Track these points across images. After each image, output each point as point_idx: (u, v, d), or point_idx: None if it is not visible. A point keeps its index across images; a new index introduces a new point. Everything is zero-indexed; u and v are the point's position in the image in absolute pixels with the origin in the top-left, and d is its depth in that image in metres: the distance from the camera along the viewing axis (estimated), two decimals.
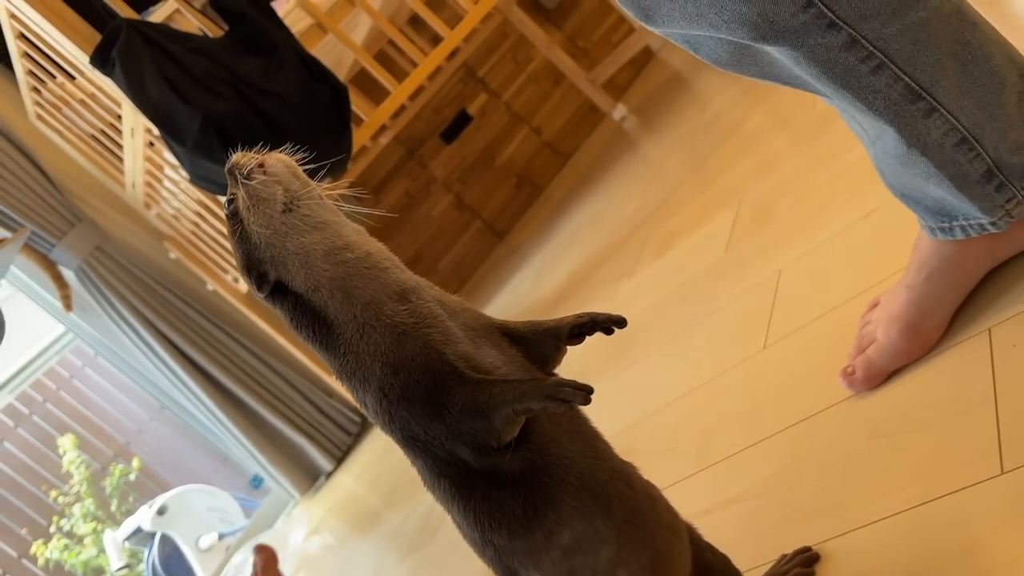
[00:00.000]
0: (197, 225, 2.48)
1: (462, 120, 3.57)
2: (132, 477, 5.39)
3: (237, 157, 0.68)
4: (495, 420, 0.59)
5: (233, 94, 1.64)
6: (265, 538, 2.65)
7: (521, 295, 2.49)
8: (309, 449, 2.77)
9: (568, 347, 0.70)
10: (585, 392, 0.59)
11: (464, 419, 0.59)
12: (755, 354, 1.05)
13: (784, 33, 0.67)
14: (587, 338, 0.70)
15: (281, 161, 0.68)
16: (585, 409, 0.68)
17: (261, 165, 0.67)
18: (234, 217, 0.66)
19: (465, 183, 3.54)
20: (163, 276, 2.74)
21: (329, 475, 2.80)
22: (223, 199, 2.02)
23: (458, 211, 3.51)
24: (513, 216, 3.57)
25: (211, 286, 2.67)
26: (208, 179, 1.75)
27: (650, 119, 2.95)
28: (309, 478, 2.81)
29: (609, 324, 0.68)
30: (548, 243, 2.75)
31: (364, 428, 2.88)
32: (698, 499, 0.95)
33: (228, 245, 2.37)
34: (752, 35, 0.67)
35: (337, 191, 0.70)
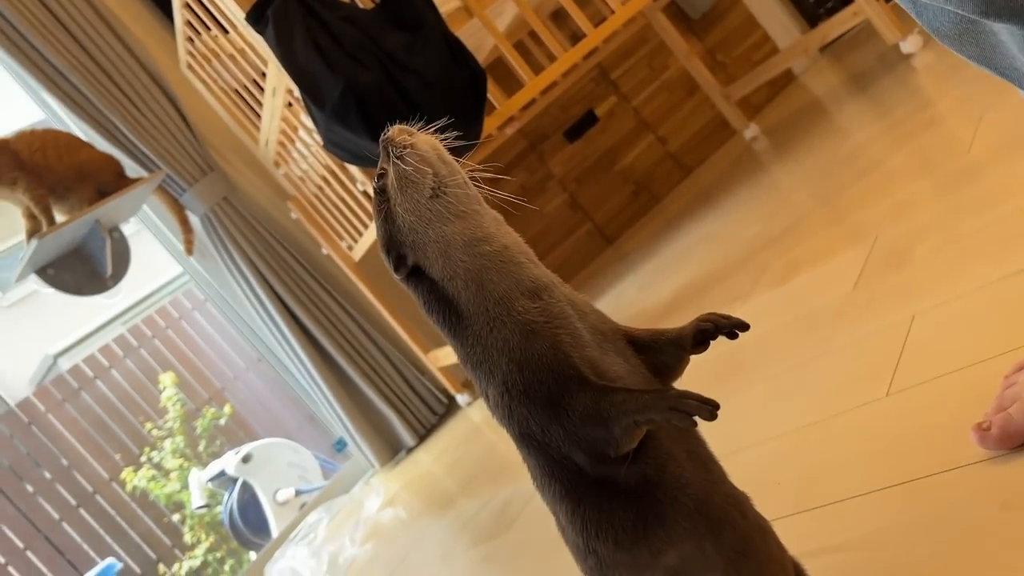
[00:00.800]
0: (321, 189, 2.54)
1: (588, 120, 3.55)
2: (222, 422, 5.62)
3: (394, 132, 0.68)
4: (615, 429, 0.58)
5: (376, 66, 1.67)
6: (340, 502, 2.70)
7: (622, 304, 2.46)
8: (395, 421, 2.81)
9: (691, 357, 0.68)
10: (711, 407, 0.57)
11: (584, 425, 0.58)
12: (875, 400, 1.00)
13: (1019, 11, 0.60)
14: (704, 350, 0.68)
15: (430, 144, 0.69)
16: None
17: (414, 145, 0.67)
18: (382, 194, 0.67)
19: (581, 183, 3.52)
20: (282, 234, 2.83)
21: (410, 450, 2.84)
22: (350, 167, 2.07)
23: (570, 210, 3.50)
24: (625, 223, 3.53)
25: (325, 250, 2.74)
26: (340, 146, 1.79)
27: (783, 144, 2.86)
28: (390, 450, 2.85)
29: (732, 328, 0.67)
30: (658, 255, 2.70)
31: (449, 411, 2.90)
32: (793, 542, 0.91)
33: (347, 212, 2.43)
34: (982, 8, 0.61)
35: (474, 170, 0.70)
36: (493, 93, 2.06)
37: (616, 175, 3.57)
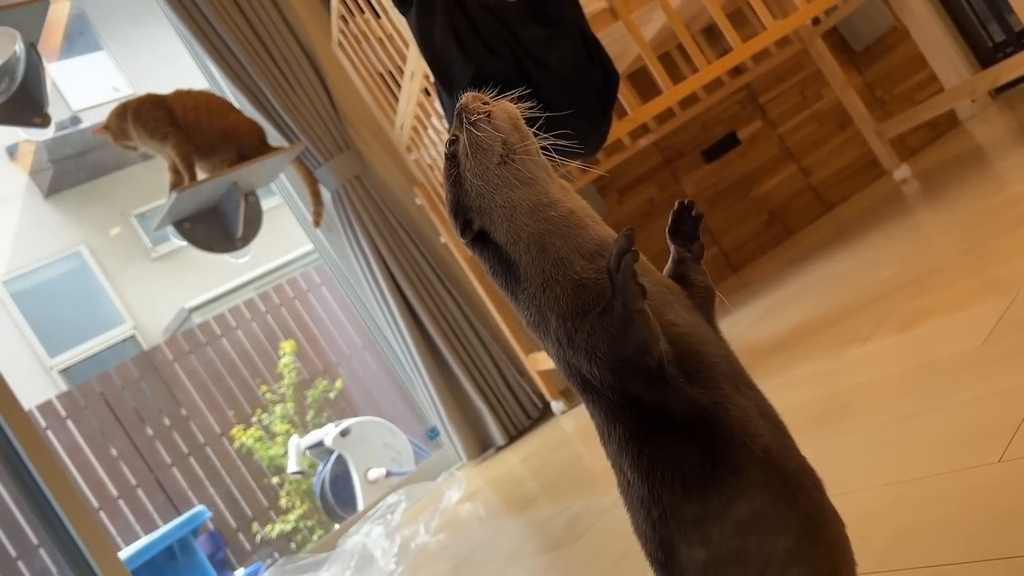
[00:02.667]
0: None
1: (729, 142, 3.44)
2: (332, 395, 5.79)
3: (468, 99, 0.69)
4: (631, 330, 0.58)
5: (509, 57, 1.66)
6: (423, 489, 2.72)
7: (737, 332, 2.36)
8: (488, 418, 2.80)
9: (700, 262, 0.74)
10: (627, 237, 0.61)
11: (614, 343, 0.59)
12: (986, 465, 0.90)
13: None
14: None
15: (506, 111, 0.69)
16: None
17: (488, 115, 0.67)
18: (452, 159, 0.69)
19: (713, 206, 3.42)
20: (405, 218, 2.88)
21: (499, 448, 2.83)
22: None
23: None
24: (754, 252, 3.40)
25: (444, 239, 2.76)
26: None
27: (934, 188, 2.68)
28: (480, 445, 2.85)
29: (685, 210, 0.74)
30: (782, 287, 2.58)
31: (543, 416, 2.87)
32: None
33: None
34: None
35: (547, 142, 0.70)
36: (628, 99, 2.02)
37: (751, 202, 3.45)
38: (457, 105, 0.68)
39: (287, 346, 5.73)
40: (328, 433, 3.92)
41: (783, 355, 1.85)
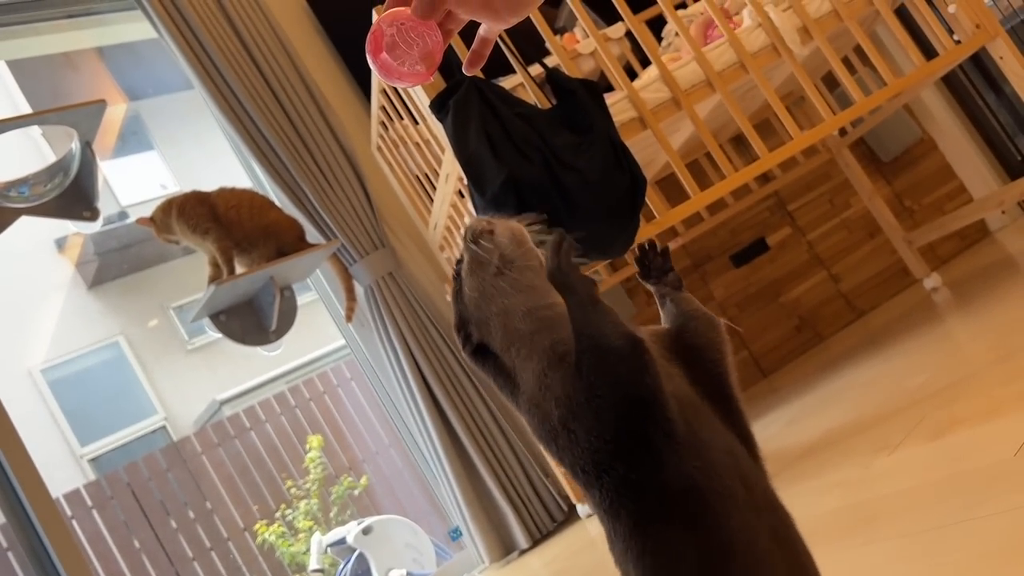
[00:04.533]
0: None
1: (758, 247, 3.48)
2: (356, 492, 5.74)
3: (472, 222, 0.72)
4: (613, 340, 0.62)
5: (540, 161, 1.72)
6: None
7: (766, 437, 2.33)
8: (511, 520, 2.76)
9: (682, 290, 0.77)
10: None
11: (599, 369, 0.61)
12: None
13: None
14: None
15: (509, 228, 0.72)
16: None
17: (491, 232, 0.69)
18: (457, 278, 0.70)
19: (743, 310, 3.43)
20: (436, 315, 2.92)
21: (523, 552, 2.77)
22: None
23: (727, 335, 3.39)
24: (783, 357, 3.38)
25: None
26: None
27: (965, 297, 2.67)
28: (503, 548, 2.80)
29: (649, 249, 0.77)
30: (812, 393, 2.56)
31: (568, 519, 2.82)
32: None
33: None
34: None
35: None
36: (656, 203, 2.07)
37: (780, 307, 3.45)
38: (464, 229, 0.72)
39: (314, 440, 5.73)
40: (350, 531, 3.87)
41: (812, 461, 1.82)
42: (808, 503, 1.60)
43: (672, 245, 2.92)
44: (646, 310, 3.36)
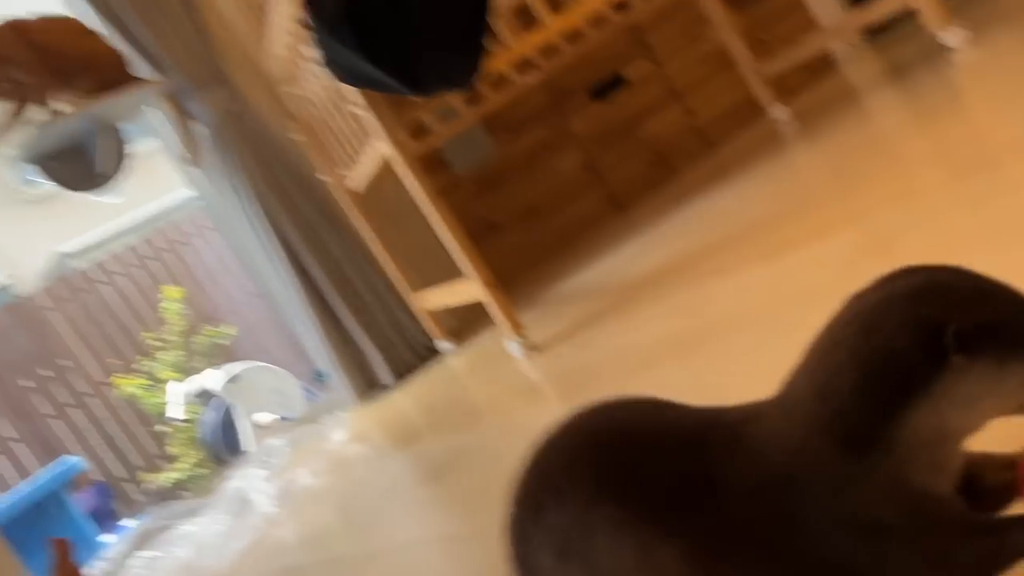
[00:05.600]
0: (324, 112, 2.49)
1: (616, 81, 3.46)
2: (224, 341, 5.64)
3: None
4: None
5: None
6: (308, 433, 2.69)
7: (613, 267, 2.42)
8: (376, 359, 2.78)
9: None
10: None
11: None
12: None
13: None
14: None
15: None
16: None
17: None
18: None
19: (600, 145, 3.44)
20: (284, 155, 2.78)
21: (388, 389, 2.82)
22: (346, 89, 2.01)
23: (585, 172, 3.42)
24: (639, 191, 3.44)
25: (324, 176, 2.69)
26: (334, 62, 1.72)
27: (810, 127, 2.76)
28: (369, 387, 2.83)
29: None
30: (663, 224, 2.64)
31: (432, 356, 2.87)
32: None
33: (347, 138, 2.37)
34: None
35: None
36: (509, 31, 1.99)
37: (637, 142, 3.48)
38: None
39: (172, 292, 5.53)
40: (214, 379, 3.82)
41: (654, 288, 1.90)
42: (648, 326, 1.67)
43: (530, 78, 2.84)
44: (505, 148, 3.32)
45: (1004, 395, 0.54)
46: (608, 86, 3.45)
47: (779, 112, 3.09)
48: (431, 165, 3.30)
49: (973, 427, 0.56)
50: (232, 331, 5.62)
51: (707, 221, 2.30)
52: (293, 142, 2.80)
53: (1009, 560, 0.56)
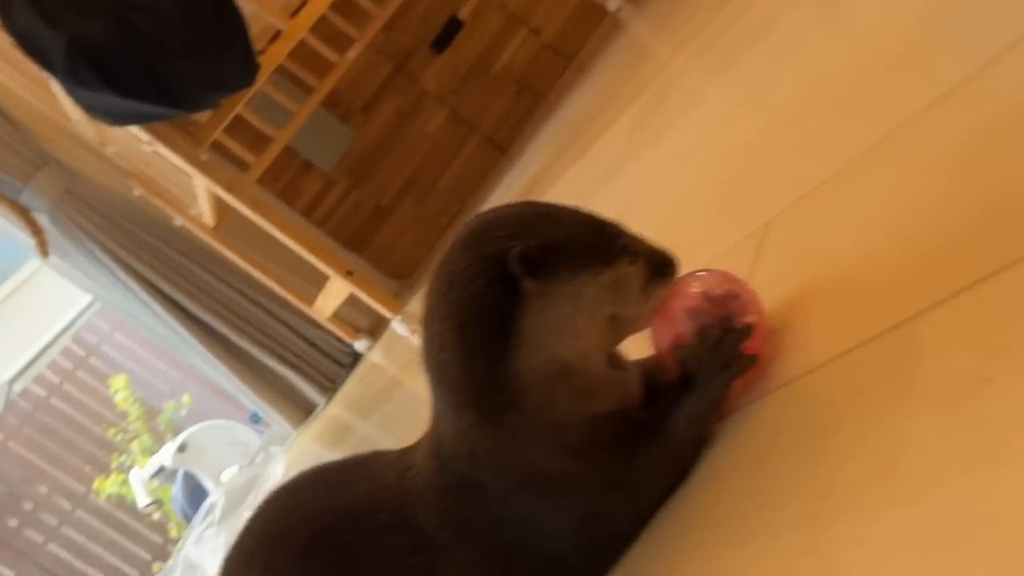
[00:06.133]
0: (150, 159, 2.37)
1: (453, 26, 3.34)
2: (184, 412, 5.53)
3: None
4: None
5: (103, 11, 1.48)
6: (242, 477, 2.61)
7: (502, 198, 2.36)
8: (298, 383, 2.70)
9: None
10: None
11: None
12: None
13: None
14: None
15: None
16: None
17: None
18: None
19: (460, 95, 3.33)
20: (134, 214, 2.67)
21: (321, 407, 2.74)
22: (134, 129, 1.90)
23: (454, 126, 3.31)
24: (514, 127, 3.35)
25: (178, 221, 2.57)
26: (93, 108, 1.62)
27: (644, 6, 2.68)
28: (301, 411, 2.75)
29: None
30: (536, 147, 2.57)
31: (355, 360, 2.79)
32: None
33: (186, 179, 2.26)
34: None
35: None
36: (276, 16, 1.87)
37: (495, 78, 3.37)
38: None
39: (117, 382, 5.40)
40: (166, 454, 3.73)
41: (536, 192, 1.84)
42: None
43: (351, 54, 2.72)
44: (364, 129, 3.21)
45: (590, 309, 0.52)
46: (446, 34, 3.33)
47: (613, 2, 2.99)
48: (297, 174, 3.19)
49: (592, 346, 0.53)
50: (187, 400, 5.51)
51: (572, 126, 2.23)
52: (140, 198, 2.68)
53: (686, 448, 0.53)
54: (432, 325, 0.54)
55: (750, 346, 0.51)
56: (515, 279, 0.51)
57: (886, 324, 0.40)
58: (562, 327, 0.52)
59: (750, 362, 0.51)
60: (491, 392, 0.52)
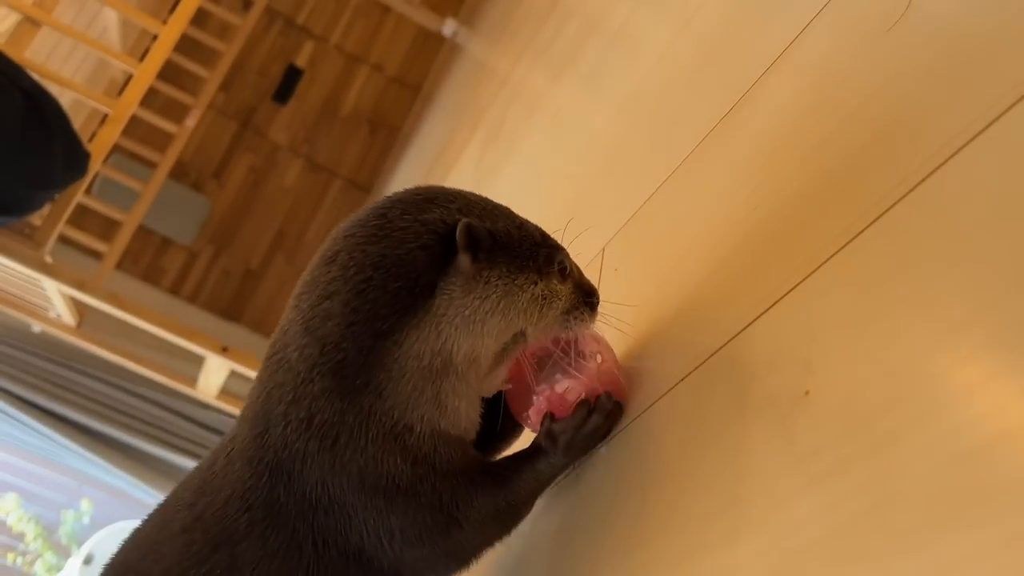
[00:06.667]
0: None
1: (292, 75, 3.28)
2: (86, 520, 5.21)
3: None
4: None
5: None
6: None
7: None
8: (176, 459, 2.58)
9: None
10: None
11: None
12: None
13: None
14: None
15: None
16: None
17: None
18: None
19: (313, 143, 3.28)
20: (14, 336, 2.50)
21: None
22: None
23: (313, 174, 3.25)
24: (374, 165, 3.32)
25: (37, 327, 2.43)
26: None
27: (477, 26, 2.70)
28: None
29: None
30: (405, 182, 2.55)
31: None
32: None
33: (35, 282, 2.13)
34: None
35: None
36: (99, 100, 1.80)
37: (346, 120, 3.34)
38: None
39: (6, 503, 5.04)
40: (71, 570, 3.50)
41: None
42: None
43: (191, 122, 2.63)
44: (220, 194, 3.12)
45: (509, 314, 0.49)
46: (287, 83, 3.27)
47: (448, 27, 3.01)
48: (158, 252, 3.06)
49: (483, 355, 0.50)
50: (86, 506, 5.21)
51: (424, 154, 2.22)
52: (16, 322, 2.51)
53: (527, 507, 0.52)
54: (326, 268, 0.48)
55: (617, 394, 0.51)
56: (447, 255, 0.47)
57: (715, 343, 0.41)
58: (473, 321, 0.48)
59: (604, 439, 0.51)
60: (360, 368, 0.47)
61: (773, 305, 0.38)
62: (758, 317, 0.38)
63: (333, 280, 0.48)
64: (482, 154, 1.35)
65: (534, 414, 0.53)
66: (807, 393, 0.32)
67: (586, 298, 0.52)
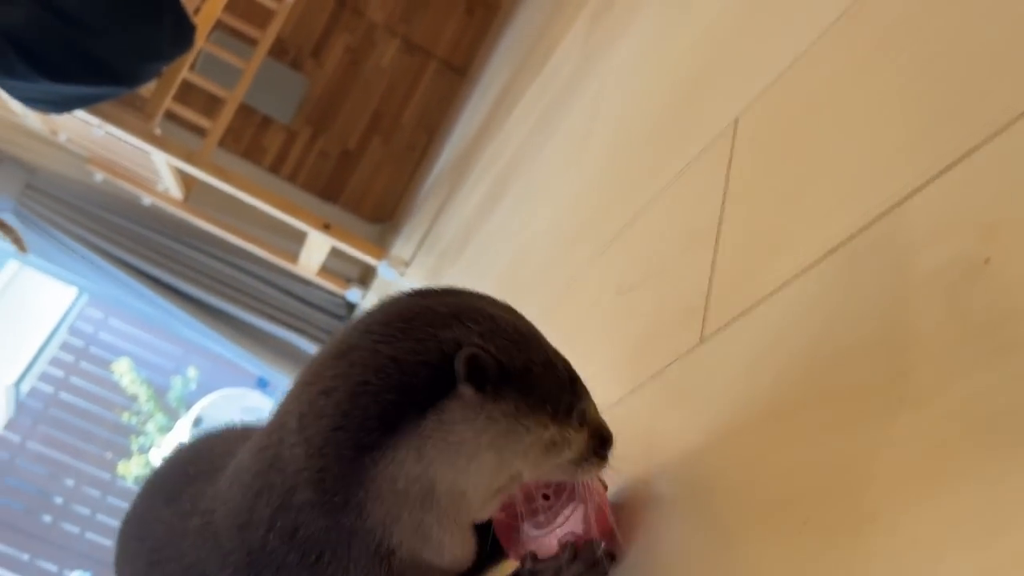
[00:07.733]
0: (107, 142, 2.30)
1: None
2: (193, 386, 5.55)
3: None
4: None
5: None
6: None
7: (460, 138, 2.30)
8: (298, 341, 2.68)
9: None
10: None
11: None
12: None
13: None
14: None
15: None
16: None
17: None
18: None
19: (410, 22, 3.22)
20: (100, 199, 2.61)
21: None
22: (81, 113, 1.84)
23: (409, 55, 3.21)
24: (470, 46, 3.25)
25: (147, 200, 2.52)
26: (31, 99, 1.56)
27: None
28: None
29: None
30: (504, 65, 2.50)
31: (350, 310, 2.77)
32: None
33: (145, 156, 2.20)
34: None
35: None
36: None
37: None
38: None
39: (120, 366, 5.40)
40: (182, 431, 3.75)
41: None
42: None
43: None
44: (319, 72, 3.12)
45: (507, 453, 0.45)
46: None
47: None
48: (258, 131, 3.10)
49: (472, 493, 0.47)
50: (193, 373, 5.53)
51: (523, 36, 2.16)
52: (104, 183, 2.62)
53: None
54: (335, 361, 0.46)
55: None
56: (455, 379, 0.44)
57: (867, 217, 0.38)
58: (464, 453, 0.45)
59: None
60: (339, 481, 0.45)
61: (948, 168, 0.34)
62: (930, 181, 0.35)
63: (336, 376, 0.45)
64: (590, 30, 1.29)
65: (518, 549, 0.52)
66: (987, 261, 0.29)
67: (599, 449, 0.49)
